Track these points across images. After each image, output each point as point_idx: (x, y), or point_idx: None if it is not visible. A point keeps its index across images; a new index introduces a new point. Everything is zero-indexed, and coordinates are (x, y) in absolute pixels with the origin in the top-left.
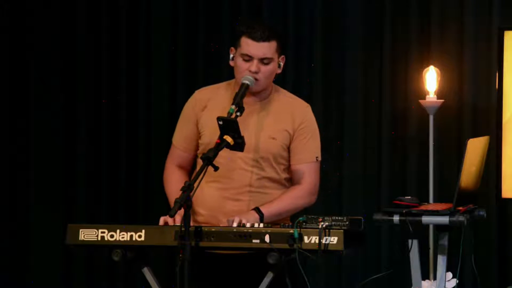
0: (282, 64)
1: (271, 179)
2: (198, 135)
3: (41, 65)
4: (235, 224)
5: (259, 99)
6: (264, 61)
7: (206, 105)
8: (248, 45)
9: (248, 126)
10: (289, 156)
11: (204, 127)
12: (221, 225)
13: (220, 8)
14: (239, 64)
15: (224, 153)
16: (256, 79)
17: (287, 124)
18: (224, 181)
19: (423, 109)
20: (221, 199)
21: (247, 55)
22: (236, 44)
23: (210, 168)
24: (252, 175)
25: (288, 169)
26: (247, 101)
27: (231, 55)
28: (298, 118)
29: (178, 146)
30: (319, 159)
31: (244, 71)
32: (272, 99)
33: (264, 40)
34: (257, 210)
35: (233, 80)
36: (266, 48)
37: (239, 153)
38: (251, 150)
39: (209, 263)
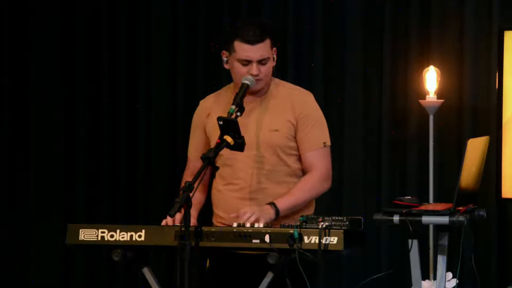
0: (275, 56)
1: (283, 172)
2: (209, 142)
3: (41, 65)
4: (252, 219)
5: (258, 96)
6: (262, 61)
7: (210, 112)
8: (245, 50)
9: (249, 124)
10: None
11: (210, 134)
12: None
13: (220, 8)
14: (238, 69)
15: (229, 154)
16: (258, 80)
17: (288, 114)
18: (236, 182)
19: (423, 109)
20: (237, 200)
21: (245, 60)
22: (229, 48)
23: (225, 171)
24: (261, 171)
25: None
26: (246, 99)
27: (225, 59)
28: (299, 107)
29: (192, 158)
30: (328, 144)
31: (244, 75)
32: (271, 93)
33: (258, 42)
34: (272, 204)
35: (232, 84)
36: (262, 50)
37: (244, 152)
38: (255, 148)
39: (211, 262)
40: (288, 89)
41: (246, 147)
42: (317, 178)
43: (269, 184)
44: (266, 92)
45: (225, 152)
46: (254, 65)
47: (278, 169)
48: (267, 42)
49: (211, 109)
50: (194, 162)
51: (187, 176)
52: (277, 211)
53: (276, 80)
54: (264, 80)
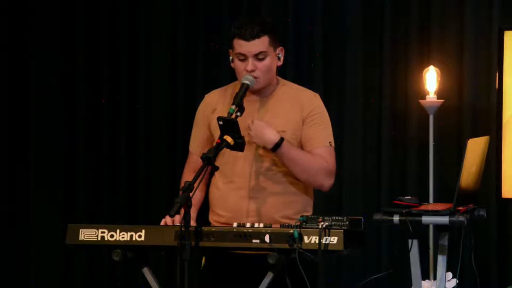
0: (281, 55)
1: (282, 171)
2: (212, 138)
3: (41, 65)
4: (251, 133)
5: (263, 95)
6: (258, 57)
7: (216, 108)
8: (240, 46)
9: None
10: (301, 146)
11: (215, 130)
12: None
13: (220, 8)
14: (237, 65)
15: (230, 152)
16: (255, 77)
17: (296, 115)
18: (236, 180)
19: (423, 109)
20: (236, 198)
21: (241, 54)
22: (231, 46)
23: (226, 169)
24: (260, 170)
25: None
26: (252, 99)
27: (231, 58)
28: (307, 107)
29: (194, 152)
30: (333, 144)
31: (242, 72)
32: (277, 94)
33: (254, 38)
34: (281, 138)
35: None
36: (257, 45)
37: (248, 151)
38: (255, 147)
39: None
40: (296, 90)
41: (246, 146)
42: (325, 165)
43: (268, 183)
44: (272, 92)
45: (226, 149)
46: (250, 60)
47: (277, 168)
48: (264, 39)
49: (216, 105)
50: (195, 156)
51: (188, 171)
52: (279, 143)
53: (284, 81)
54: (261, 78)
